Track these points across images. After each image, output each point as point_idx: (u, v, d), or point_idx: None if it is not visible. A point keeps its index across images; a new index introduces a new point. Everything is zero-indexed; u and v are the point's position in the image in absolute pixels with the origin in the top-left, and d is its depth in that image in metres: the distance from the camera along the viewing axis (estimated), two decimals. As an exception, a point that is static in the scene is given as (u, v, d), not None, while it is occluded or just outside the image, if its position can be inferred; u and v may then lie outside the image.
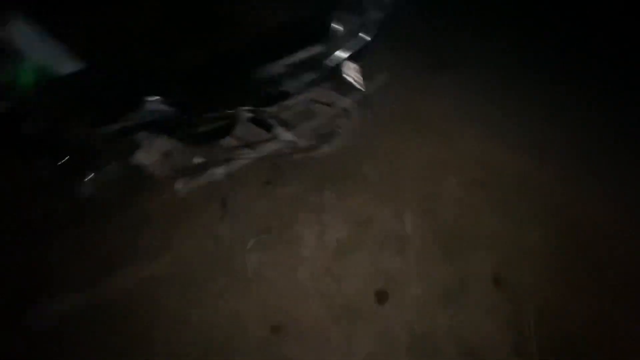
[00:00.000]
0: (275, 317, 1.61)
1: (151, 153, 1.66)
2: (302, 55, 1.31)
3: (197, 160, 1.78)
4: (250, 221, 1.87)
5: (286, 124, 1.63)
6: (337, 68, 1.39)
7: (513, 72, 2.51)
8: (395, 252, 1.75)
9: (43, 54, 1.24)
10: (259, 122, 1.54)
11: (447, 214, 1.85)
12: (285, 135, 1.63)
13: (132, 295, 1.68)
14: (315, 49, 1.31)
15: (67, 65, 1.28)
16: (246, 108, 1.49)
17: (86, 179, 1.58)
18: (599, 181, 1.96)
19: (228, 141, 1.71)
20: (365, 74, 1.51)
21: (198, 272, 1.73)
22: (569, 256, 1.71)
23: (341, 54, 1.36)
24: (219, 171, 1.89)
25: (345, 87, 1.48)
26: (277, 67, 1.33)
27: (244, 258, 1.77)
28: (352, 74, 1.40)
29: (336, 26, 1.35)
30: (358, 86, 1.44)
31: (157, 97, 1.39)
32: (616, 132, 2.20)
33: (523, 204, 1.88)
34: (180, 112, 1.45)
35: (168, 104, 1.42)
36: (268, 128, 1.58)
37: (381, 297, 1.63)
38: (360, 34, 1.39)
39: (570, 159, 2.05)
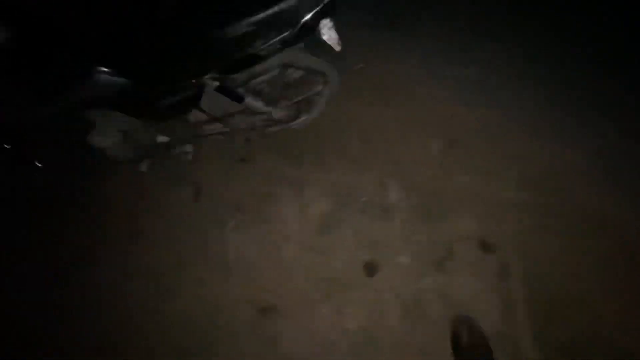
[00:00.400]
0: (262, 299, 1.53)
1: (108, 133, 1.48)
2: (270, 11, 1.17)
3: (161, 139, 1.62)
4: (226, 202, 1.75)
5: (258, 93, 1.49)
6: (309, 26, 1.26)
7: (473, 29, 2.40)
8: (380, 221, 1.69)
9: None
10: (228, 92, 1.39)
11: (426, 176, 1.81)
12: (258, 105, 1.49)
13: (101, 290, 1.54)
14: (285, 3, 1.17)
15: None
16: (211, 76, 1.34)
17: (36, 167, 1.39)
18: (573, 132, 1.96)
19: (194, 116, 1.55)
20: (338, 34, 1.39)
21: (172, 260, 1.61)
22: (548, 209, 1.72)
23: (313, 9, 1.22)
24: (187, 150, 1.73)
25: (319, 48, 1.36)
26: (244, 26, 1.19)
27: (222, 241, 1.66)
28: (327, 32, 1.27)
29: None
30: (334, 46, 1.31)
31: (108, 69, 1.22)
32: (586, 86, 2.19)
33: (497, 160, 1.86)
34: (137, 85, 1.28)
35: (121, 75, 1.24)
36: (238, 99, 1.43)
37: (370, 268, 1.59)
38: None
39: (541, 112, 2.04)
